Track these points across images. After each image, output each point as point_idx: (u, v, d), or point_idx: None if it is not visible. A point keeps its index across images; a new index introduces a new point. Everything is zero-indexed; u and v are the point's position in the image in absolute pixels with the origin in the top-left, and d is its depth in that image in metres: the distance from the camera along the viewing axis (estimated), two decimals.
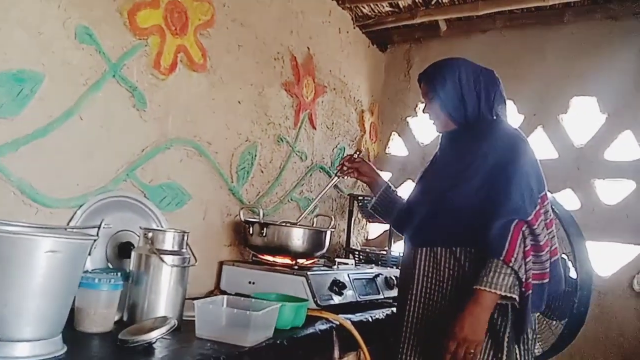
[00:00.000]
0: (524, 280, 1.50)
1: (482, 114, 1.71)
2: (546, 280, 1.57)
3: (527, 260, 1.51)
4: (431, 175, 1.84)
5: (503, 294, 1.48)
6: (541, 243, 1.55)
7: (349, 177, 2.06)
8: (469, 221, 1.59)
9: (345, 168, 2.05)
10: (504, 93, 1.77)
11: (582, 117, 2.86)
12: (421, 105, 3.30)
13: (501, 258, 1.48)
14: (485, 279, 1.49)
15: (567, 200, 2.72)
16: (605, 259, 2.69)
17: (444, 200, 1.66)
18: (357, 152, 2.11)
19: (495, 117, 1.71)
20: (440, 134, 1.85)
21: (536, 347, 1.82)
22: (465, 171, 1.65)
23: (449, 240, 1.64)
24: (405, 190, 3.22)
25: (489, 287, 1.48)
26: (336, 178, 2.10)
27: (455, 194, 1.63)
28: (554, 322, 2.14)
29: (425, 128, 3.30)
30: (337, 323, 1.80)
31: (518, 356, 1.58)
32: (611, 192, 2.74)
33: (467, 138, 1.72)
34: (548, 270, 1.57)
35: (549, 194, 1.66)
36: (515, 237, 1.50)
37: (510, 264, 1.47)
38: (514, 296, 1.49)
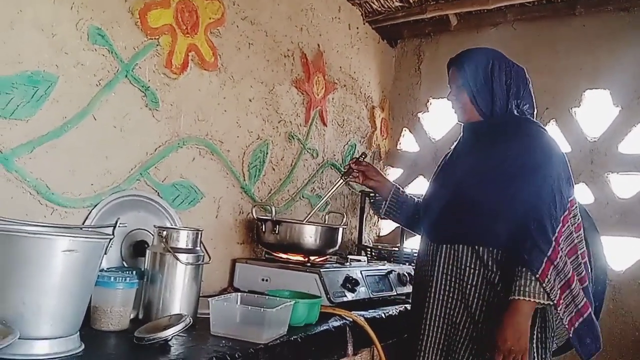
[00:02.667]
0: (554, 299, 1.48)
1: (510, 109, 1.68)
2: (586, 284, 1.60)
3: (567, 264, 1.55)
4: (452, 169, 1.80)
5: (540, 301, 1.47)
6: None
7: (355, 182, 2.01)
8: (492, 220, 1.58)
9: (352, 171, 1.96)
10: (533, 94, 1.75)
11: (595, 110, 2.83)
12: (432, 101, 3.30)
13: (536, 276, 1.46)
14: (521, 288, 1.47)
15: (581, 194, 2.69)
16: (619, 253, 2.67)
17: (467, 196, 1.64)
18: (363, 155, 2.02)
19: (521, 115, 1.70)
20: (462, 126, 1.80)
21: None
22: (494, 169, 1.63)
23: (471, 239, 1.62)
24: (417, 187, 3.23)
25: (525, 296, 1.47)
26: (341, 181, 2.01)
27: (481, 192, 1.61)
28: None
29: (438, 122, 3.28)
30: (351, 320, 1.80)
31: (535, 353, 1.57)
32: (625, 185, 2.71)
33: (493, 133, 1.69)
34: (584, 273, 1.60)
35: None
36: (554, 257, 1.49)
37: (543, 285, 1.46)
38: (550, 303, 1.49)
